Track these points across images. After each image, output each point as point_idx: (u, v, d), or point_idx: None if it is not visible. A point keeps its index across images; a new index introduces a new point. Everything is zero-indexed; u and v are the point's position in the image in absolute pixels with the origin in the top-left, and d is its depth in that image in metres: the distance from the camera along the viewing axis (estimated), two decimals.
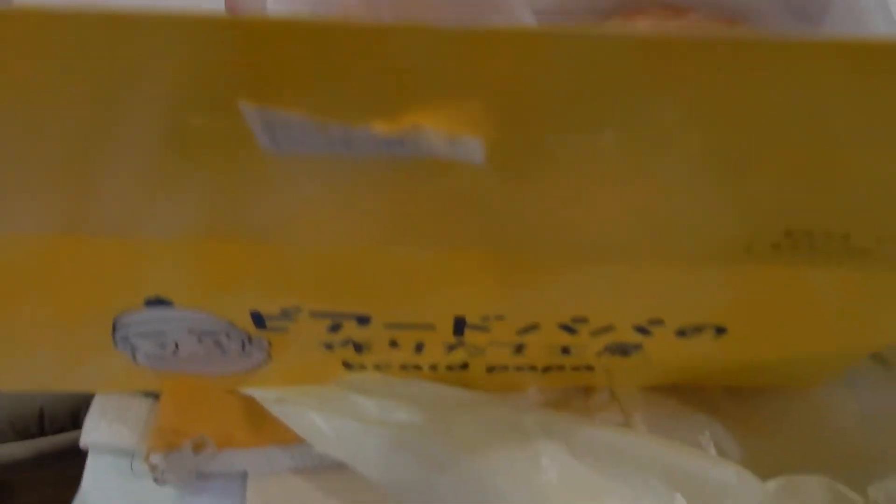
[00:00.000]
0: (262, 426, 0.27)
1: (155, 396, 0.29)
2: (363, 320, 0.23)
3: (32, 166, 0.17)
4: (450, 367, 0.27)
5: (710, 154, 0.16)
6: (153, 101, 0.14)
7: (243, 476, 0.28)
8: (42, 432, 0.57)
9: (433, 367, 0.27)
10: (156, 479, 0.27)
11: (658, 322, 0.23)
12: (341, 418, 0.26)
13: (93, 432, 0.28)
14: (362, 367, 0.27)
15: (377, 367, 0.27)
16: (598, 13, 0.29)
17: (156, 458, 0.27)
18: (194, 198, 0.18)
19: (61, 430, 0.56)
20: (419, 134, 0.14)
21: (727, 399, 0.29)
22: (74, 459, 0.62)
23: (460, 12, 0.26)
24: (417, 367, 0.27)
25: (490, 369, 0.27)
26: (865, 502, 0.24)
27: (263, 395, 0.28)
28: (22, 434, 0.57)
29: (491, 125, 0.14)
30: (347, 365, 0.26)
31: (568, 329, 0.23)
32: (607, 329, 0.23)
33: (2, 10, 0.12)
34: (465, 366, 0.26)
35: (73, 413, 0.56)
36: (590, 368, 0.27)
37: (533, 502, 0.23)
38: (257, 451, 0.27)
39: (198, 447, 0.27)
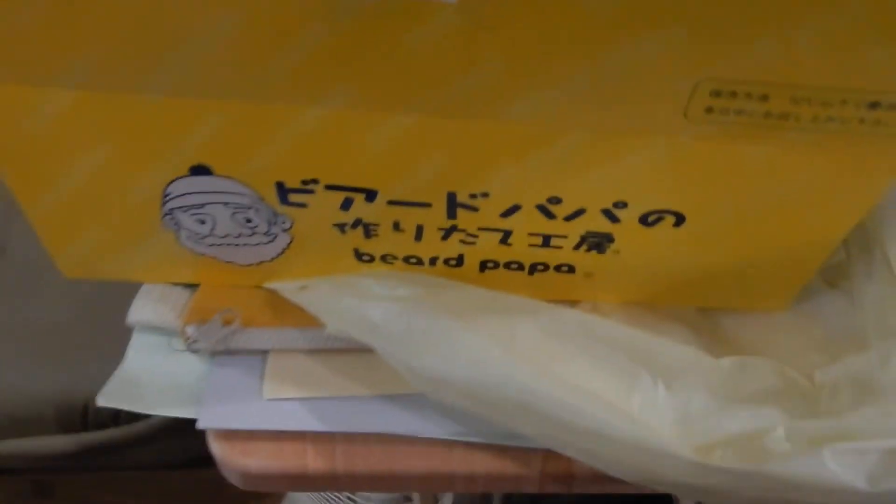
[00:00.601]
0: (282, 311, 0.31)
1: (193, 288, 0.33)
2: (370, 195, 0.27)
3: (106, 22, 0.22)
4: (447, 262, 0.30)
5: (653, 19, 0.20)
6: None
7: (264, 354, 0.32)
8: (85, 427, 0.61)
9: (432, 262, 0.30)
10: (189, 348, 0.31)
11: (622, 205, 0.26)
12: (350, 298, 0.29)
13: (138, 312, 0.32)
14: (371, 259, 0.31)
15: (383, 260, 0.31)
16: None
17: (190, 329, 0.31)
18: (227, 58, 0.23)
19: (103, 426, 0.61)
20: None
21: (701, 318, 0.32)
22: (113, 459, 0.67)
23: None
24: (419, 262, 0.30)
25: (483, 267, 0.30)
26: (811, 384, 0.27)
27: (285, 285, 0.32)
28: (66, 428, 0.62)
29: None
30: (358, 256, 0.30)
31: (545, 211, 0.27)
32: (579, 212, 0.27)
33: None
34: (460, 261, 0.30)
35: (115, 412, 0.61)
36: (572, 270, 0.30)
37: (502, 366, 0.26)
38: (276, 331, 0.31)
39: (226, 321, 0.31)
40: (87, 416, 0.62)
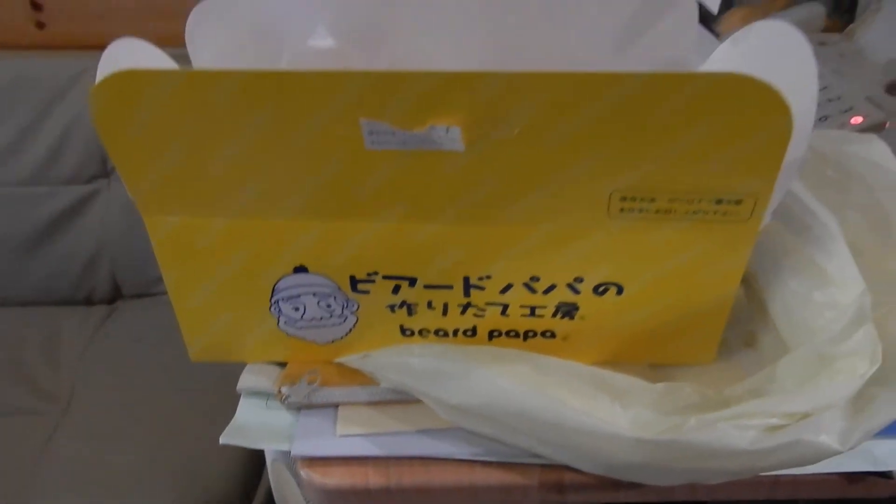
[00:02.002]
0: (349, 374, 0.44)
1: (282, 365, 0.46)
2: (412, 282, 0.41)
3: (240, 175, 0.37)
4: (465, 333, 0.43)
5: (578, 151, 0.34)
6: (303, 137, 0.34)
7: (335, 405, 0.44)
8: None
9: (454, 333, 0.43)
10: (284, 403, 0.43)
11: (580, 280, 0.40)
12: (399, 357, 0.42)
13: (245, 381, 0.45)
14: (411, 333, 0.43)
15: (420, 334, 0.44)
16: None
17: (284, 389, 0.43)
18: (322, 193, 0.37)
19: None
20: (434, 130, 0.33)
21: (649, 370, 0.44)
22: None
23: None
24: (445, 334, 0.43)
25: (490, 335, 0.43)
26: (720, 397, 0.39)
27: (350, 358, 0.45)
28: None
29: (469, 131, 0.33)
30: (402, 331, 0.43)
31: (529, 287, 0.40)
32: (552, 287, 0.40)
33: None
34: (474, 331, 0.43)
35: None
36: (553, 335, 0.43)
37: (508, 393, 0.38)
38: (345, 389, 0.44)
39: (310, 381, 0.43)
40: None
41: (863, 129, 0.85)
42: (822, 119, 0.87)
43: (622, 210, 0.36)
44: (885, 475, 0.39)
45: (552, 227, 0.38)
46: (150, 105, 0.34)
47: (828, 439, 0.34)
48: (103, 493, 0.85)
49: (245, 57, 0.47)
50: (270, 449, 0.45)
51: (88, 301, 1.25)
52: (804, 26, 1.13)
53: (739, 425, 0.35)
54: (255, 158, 0.36)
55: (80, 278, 1.22)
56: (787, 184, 0.37)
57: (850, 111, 0.86)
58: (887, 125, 0.79)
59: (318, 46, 0.46)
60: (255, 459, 0.91)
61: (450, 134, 0.34)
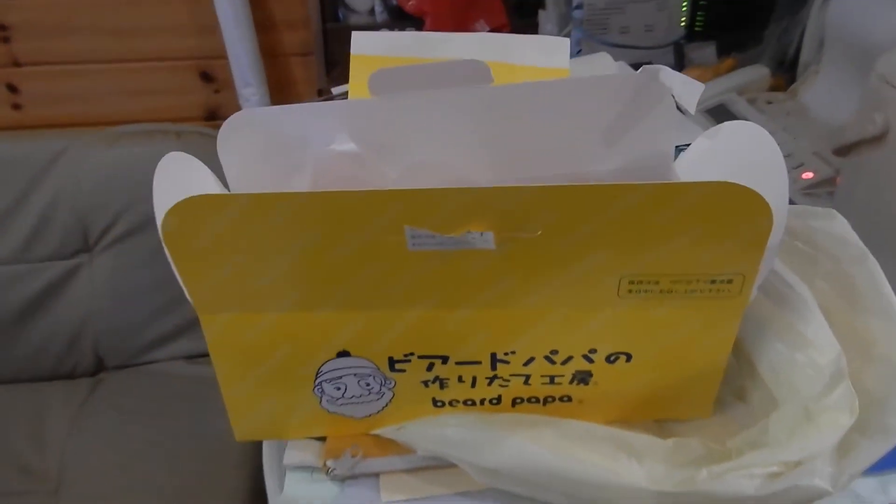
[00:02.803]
0: (387, 445, 0.48)
1: (321, 439, 0.50)
2: (445, 360, 0.46)
3: (292, 276, 0.41)
4: (491, 401, 0.48)
5: (591, 247, 0.40)
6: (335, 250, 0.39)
7: (377, 475, 0.48)
8: None
9: (482, 402, 0.48)
10: (329, 475, 0.47)
11: (594, 351, 0.45)
12: (433, 428, 0.47)
13: (290, 457, 0.49)
14: (443, 404, 0.48)
15: (450, 404, 0.48)
16: None
17: (330, 462, 0.48)
18: (364, 289, 0.42)
19: None
20: (470, 234, 0.39)
21: (654, 425, 0.50)
22: None
23: None
24: (473, 403, 0.48)
25: (513, 403, 0.48)
26: (724, 449, 0.44)
27: (386, 430, 0.49)
28: None
29: (498, 232, 0.39)
30: (434, 402, 0.48)
31: (549, 360, 0.45)
32: (569, 359, 0.45)
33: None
34: (499, 399, 0.48)
35: None
36: (570, 399, 0.48)
37: (536, 456, 0.43)
38: (385, 459, 0.48)
39: (353, 453, 0.48)
40: None
41: (814, 183, 0.94)
42: None
43: (630, 291, 0.42)
44: None
45: (569, 308, 0.43)
46: (217, 224, 0.39)
47: (821, 482, 0.39)
48: None
49: (272, 162, 0.52)
50: None
51: (71, 375, 1.26)
52: (752, 86, 1.23)
53: (746, 475, 0.40)
54: (305, 264, 0.41)
55: (63, 353, 1.23)
56: (770, 263, 0.43)
57: (801, 167, 0.95)
58: (838, 181, 0.88)
59: (341, 150, 0.51)
60: None
61: (483, 237, 0.39)
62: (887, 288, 0.48)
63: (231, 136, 0.51)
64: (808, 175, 0.93)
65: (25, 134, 1.41)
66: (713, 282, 0.41)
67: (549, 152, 0.52)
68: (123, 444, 1.08)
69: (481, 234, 0.39)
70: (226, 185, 0.53)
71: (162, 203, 0.43)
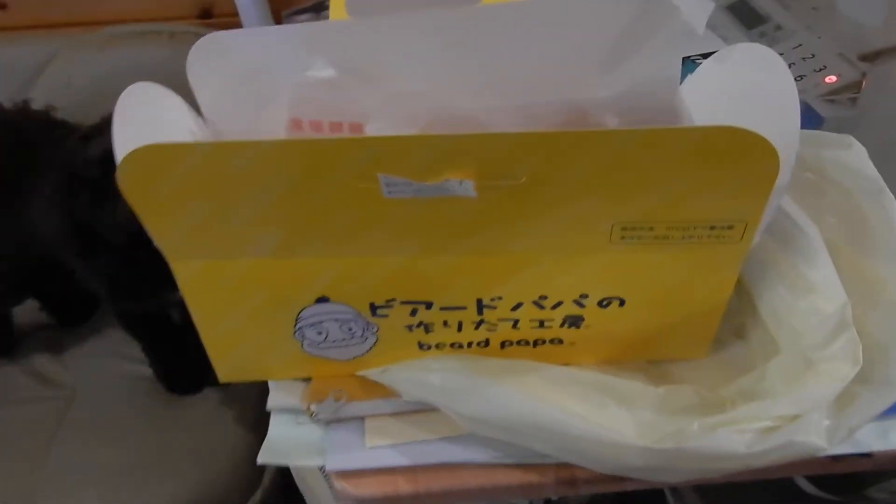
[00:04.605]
0: (372, 388, 0.47)
1: (307, 381, 0.49)
2: (429, 305, 0.43)
3: (264, 223, 0.39)
4: (478, 344, 0.46)
5: (580, 194, 0.37)
6: (329, 185, 0.36)
7: (362, 418, 0.47)
8: None
9: (469, 345, 0.46)
10: (313, 419, 0.46)
11: (585, 296, 0.43)
12: (417, 372, 0.45)
13: (273, 400, 0.48)
14: (428, 347, 0.47)
15: (437, 347, 0.47)
16: None
17: (313, 406, 0.47)
18: (345, 233, 0.40)
19: None
20: (449, 182, 0.36)
21: (648, 366, 0.48)
22: None
23: None
24: (460, 346, 0.46)
25: (502, 345, 0.46)
26: (717, 397, 0.42)
27: (371, 372, 0.48)
28: None
29: (480, 180, 0.36)
30: (420, 346, 0.46)
31: (538, 304, 0.43)
32: (559, 303, 0.43)
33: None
34: (487, 343, 0.46)
35: None
36: (561, 342, 0.46)
37: (522, 404, 0.42)
38: (370, 402, 0.47)
39: (337, 398, 0.47)
40: None
41: (838, 88, 0.88)
42: (797, 78, 0.89)
43: (623, 238, 0.39)
44: (865, 455, 0.44)
45: (557, 255, 0.40)
46: (176, 172, 0.36)
47: (816, 439, 0.38)
48: (108, 483, 0.86)
49: (245, 91, 0.49)
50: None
51: None
52: None
53: (737, 430, 0.39)
54: (277, 211, 0.38)
55: None
56: (775, 205, 0.40)
57: (824, 70, 0.89)
58: (864, 85, 0.82)
59: (318, 77, 0.47)
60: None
61: (463, 185, 0.36)
62: None
63: (200, 61, 0.48)
64: (832, 79, 0.87)
65: (12, 37, 1.35)
66: (712, 228, 0.38)
67: (542, 77, 0.48)
68: (137, 357, 1.09)
69: (460, 181, 0.36)
70: (199, 112, 0.50)
71: (121, 144, 0.40)
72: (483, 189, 0.36)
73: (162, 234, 0.40)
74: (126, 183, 0.37)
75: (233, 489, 0.87)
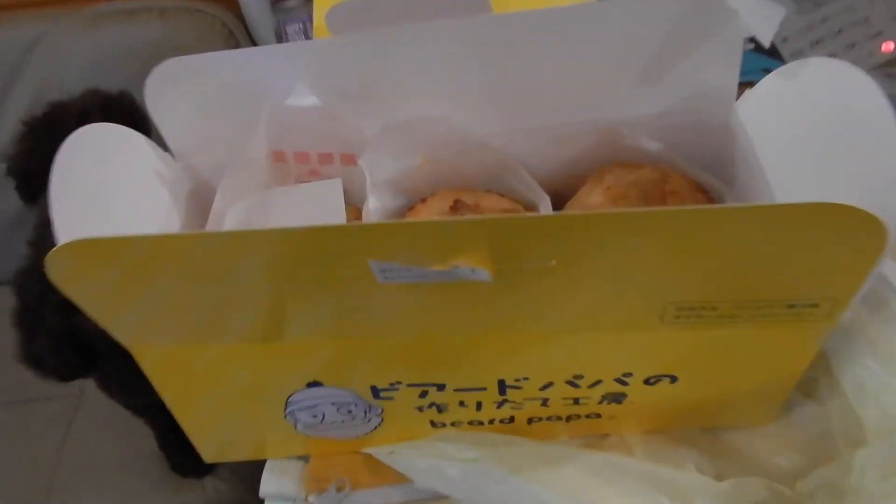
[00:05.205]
0: (379, 471, 0.40)
1: (305, 458, 0.42)
2: (441, 387, 0.36)
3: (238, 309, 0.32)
4: (501, 421, 0.39)
5: (624, 275, 0.29)
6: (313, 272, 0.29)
7: None
8: None
9: (490, 422, 0.39)
10: None
11: (629, 375, 0.35)
12: (431, 459, 0.38)
13: (268, 485, 0.42)
14: (443, 425, 0.40)
15: (453, 425, 0.40)
16: (580, 173, 0.43)
17: (312, 499, 0.40)
18: (336, 315, 0.32)
19: None
20: (458, 269, 0.28)
21: (704, 437, 0.41)
22: None
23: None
24: (480, 423, 0.39)
25: (529, 421, 0.39)
26: (793, 493, 0.35)
27: (377, 451, 0.41)
28: None
29: (495, 265, 0.28)
30: (433, 424, 0.39)
31: (572, 384, 0.36)
32: (598, 382, 0.36)
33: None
34: (511, 419, 0.39)
35: None
36: (599, 416, 0.39)
37: (554, 498, 0.35)
38: (378, 490, 0.40)
39: (339, 488, 0.40)
40: None
41: (894, 59, 0.78)
42: (848, 46, 0.79)
43: (677, 317, 0.31)
44: None
45: (595, 333, 0.33)
46: (117, 265, 0.29)
47: None
48: (119, 477, 0.83)
49: (219, 121, 0.41)
50: None
51: None
52: None
53: None
54: (252, 296, 0.31)
55: None
56: (875, 272, 0.32)
57: (879, 36, 0.79)
58: None
59: (301, 105, 0.40)
60: None
61: (476, 272, 0.28)
62: None
63: (163, 89, 0.40)
64: (889, 47, 0.77)
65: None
66: (791, 306, 0.30)
67: (567, 94, 0.40)
68: None
69: (472, 269, 0.28)
70: (164, 146, 0.42)
71: (60, 221, 0.33)
72: (501, 274, 0.29)
73: (110, 324, 0.33)
74: (56, 278, 0.29)
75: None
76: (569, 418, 0.39)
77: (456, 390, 0.37)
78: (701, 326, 0.32)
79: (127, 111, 0.64)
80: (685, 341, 0.33)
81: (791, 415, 0.41)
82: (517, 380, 0.36)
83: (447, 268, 0.28)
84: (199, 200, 0.44)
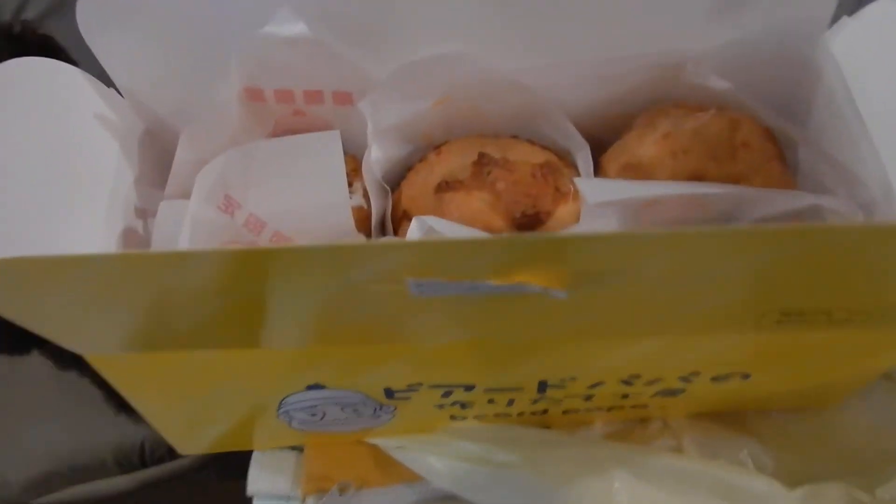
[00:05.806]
0: (390, 469, 0.35)
1: (299, 449, 0.37)
2: (469, 388, 0.30)
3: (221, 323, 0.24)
4: (533, 413, 0.34)
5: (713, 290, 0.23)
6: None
7: None
8: (144, 465, 0.64)
9: (520, 414, 0.34)
10: None
11: (696, 374, 0.30)
12: (451, 460, 0.33)
13: (255, 483, 0.36)
14: (463, 419, 0.34)
15: (476, 418, 0.34)
16: (626, 115, 0.36)
17: (311, 501, 0.34)
18: (354, 323, 0.25)
19: (160, 461, 0.64)
20: (524, 286, 0.21)
21: (759, 420, 0.36)
22: (173, 490, 0.70)
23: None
24: (508, 416, 0.34)
25: (565, 412, 0.34)
26: (873, 500, 0.31)
27: (385, 442, 0.35)
28: (125, 467, 0.65)
29: (569, 283, 0.21)
30: (453, 417, 0.34)
31: (626, 383, 0.30)
32: (657, 380, 0.30)
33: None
34: (545, 411, 0.34)
35: (171, 448, 0.64)
36: (646, 406, 0.34)
37: None
38: (388, 490, 0.35)
39: (342, 490, 0.34)
40: (145, 455, 0.65)
41: None
42: None
43: (780, 322, 0.25)
44: None
45: (666, 338, 0.27)
46: (66, 285, 0.21)
47: None
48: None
49: (177, 47, 0.32)
50: None
51: None
52: None
53: None
54: (232, 309, 0.24)
55: None
56: None
57: None
58: None
59: (284, 35, 0.31)
60: None
61: (548, 291, 0.22)
62: None
63: (103, 17, 0.31)
64: None
65: None
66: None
67: (617, 21, 0.31)
68: None
69: (542, 287, 0.21)
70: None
71: None
72: (572, 289, 0.22)
73: (62, 338, 0.25)
74: None
75: None
76: (611, 409, 0.34)
77: (487, 390, 0.31)
78: (804, 329, 0.26)
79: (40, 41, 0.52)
80: (777, 342, 0.27)
81: (866, 400, 0.36)
82: (562, 380, 0.30)
83: (512, 283, 0.21)
84: (155, 144, 0.36)
